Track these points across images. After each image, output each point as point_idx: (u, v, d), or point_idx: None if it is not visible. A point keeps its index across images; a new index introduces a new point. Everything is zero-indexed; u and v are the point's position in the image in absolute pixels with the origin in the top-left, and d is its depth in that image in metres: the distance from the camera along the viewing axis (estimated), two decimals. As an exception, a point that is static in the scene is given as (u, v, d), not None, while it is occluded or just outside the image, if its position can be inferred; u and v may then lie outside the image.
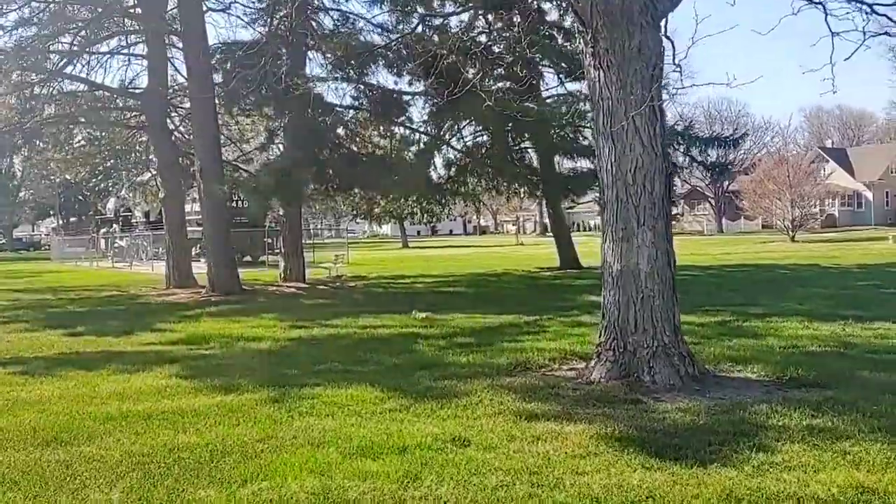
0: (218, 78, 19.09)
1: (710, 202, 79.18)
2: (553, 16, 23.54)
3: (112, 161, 29.92)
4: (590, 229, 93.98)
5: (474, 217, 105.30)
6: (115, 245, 40.35)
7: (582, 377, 7.25)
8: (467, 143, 21.36)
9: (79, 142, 24.75)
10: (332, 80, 20.03)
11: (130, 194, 40.77)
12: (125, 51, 21.73)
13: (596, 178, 21.46)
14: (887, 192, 72.42)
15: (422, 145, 20.15)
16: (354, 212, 28.75)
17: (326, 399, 6.67)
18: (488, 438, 5.34)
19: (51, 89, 20.35)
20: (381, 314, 13.31)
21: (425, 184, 19.31)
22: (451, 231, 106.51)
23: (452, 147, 21.20)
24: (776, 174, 46.57)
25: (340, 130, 20.43)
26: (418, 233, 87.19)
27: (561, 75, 22.83)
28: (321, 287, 20.02)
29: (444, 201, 21.85)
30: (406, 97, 20.15)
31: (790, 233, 44.92)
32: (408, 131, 20.48)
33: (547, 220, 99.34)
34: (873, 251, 30.07)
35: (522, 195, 23.98)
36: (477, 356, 8.60)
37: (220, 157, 18.93)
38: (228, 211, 33.63)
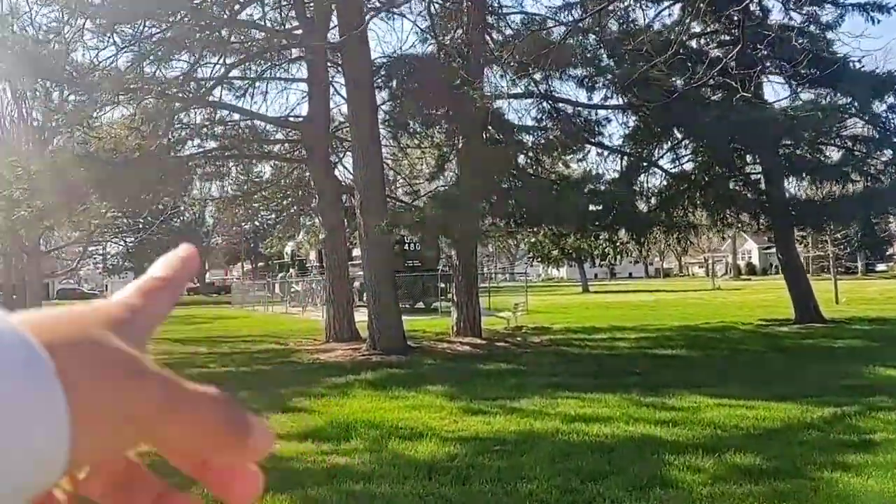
0: (382, 97, 16.45)
1: (939, 240, 68.63)
2: (777, 14, 19.24)
3: (289, 201, 28.37)
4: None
5: (656, 259, 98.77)
6: (291, 290, 39.58)
7: None
8: (682, 165, 17.32)
9: (239, 178, 23.10)
10: (513, 97, 16.83)
11: (305, 236, 39.95)
12: (283, 74, 19.72)
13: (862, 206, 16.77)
14: None
15: (623, 169, 16.42)
16: (534, 252, 25.47)
17: None
18: None
19: (204, 118, 18.68)
20: (585, 391, 9.65)
21: (629, 216, 15.48)
22: (630, 274, 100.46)
23: (662, 169, 17.27)
24: None
25: (521, 158, 17.10)
26: (595, 276, 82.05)
27: (792, 81, 18.35)
28: (500, 344, 16.58)
29: (648, 236, 17.82)
30: (602, 112, 16.55)
31: None
32: (605, 154, 16.83)
33: (741, 262, 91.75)
34: None
35: (745, 227, 19.43)
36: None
37: (383, 188, 16.12)
38: (401, 254, 31.69)
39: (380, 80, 16.15)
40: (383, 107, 16.78)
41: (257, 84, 19.10)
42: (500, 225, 16.54)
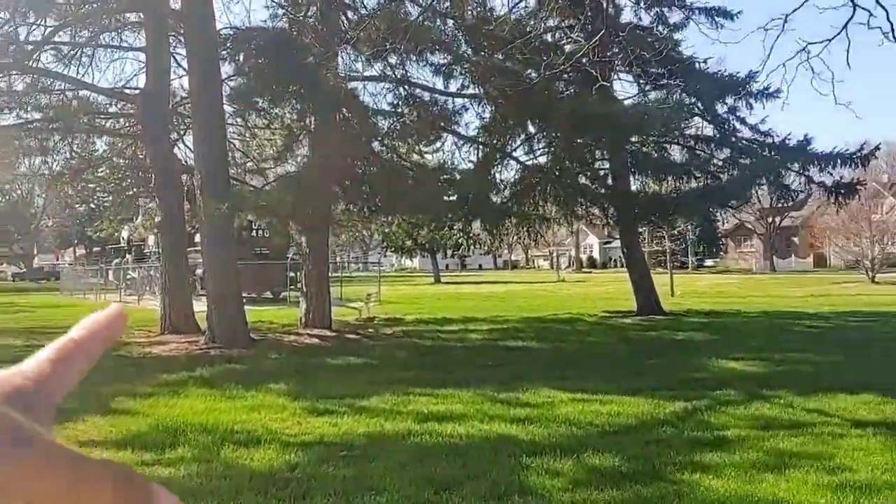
0: (227, 72, 15.32)
1: (759, 238, 74.26)
2: (629, 14, 19.73)
3: (128, 182, 26.16)
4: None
5: (505, 251, 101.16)
6: (127, 277, 36.91)
7: None
8: (537, 158, 17.29)
9: (67, 154, 20.92)
10: (368, 80, 16.21)
11: (143, 219, 37.39)
12: (118, 42, 17.99)
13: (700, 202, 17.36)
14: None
15: (479, 159, 16.17)
16: (387, 242, 24.90)
17: None
18: None
19: (27, 85, 16.74)
20: (438, 387, 9.23)
21: (484, 206, 15.24)
22: (480, 266, 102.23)
23: (517, 160, 17.18)
24: (854, 209, 41.91)
25: (375, 144, 16.48)
26: (447, 266, 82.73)
27: (641, 80, 18.85)
28: (351, 336, 15.93)
29: (501, 227, 17.70)
30: (459, 100, 16.22)
31: (870, 273, 40.22)
32: (460, 143, 16.51)
33: (583, 256, 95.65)
34: None
35: (593, 221, 19.75)
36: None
37: (226, 168, 14.98)
38: (248, 241, 30.18)
39: (225, 53, 15.00)
40: (229, 82, 15.65)
41: (87, 51, 17.31)
42: (354, 211, 15.84)
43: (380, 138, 16.23)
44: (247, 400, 8.54)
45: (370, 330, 17.32)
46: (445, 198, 14.42)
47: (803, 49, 10.38)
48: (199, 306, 16.62)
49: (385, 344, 14.61)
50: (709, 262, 76.70)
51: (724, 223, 66.63)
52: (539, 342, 14.21)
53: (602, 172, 18.17)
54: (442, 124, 15.60)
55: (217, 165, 14.21)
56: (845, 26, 9.85)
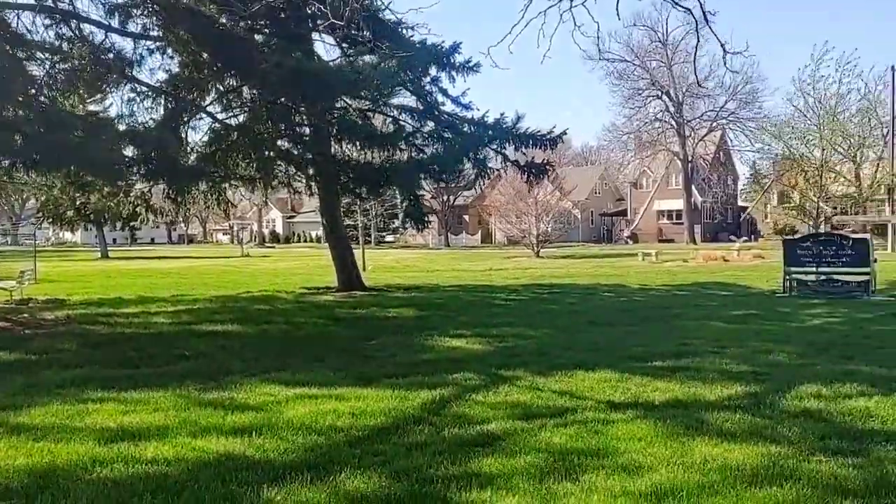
0: None
1: (436, 215, 78.33)
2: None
3: None
4: (313, 240, 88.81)
5: (181, 225, 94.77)
6: None
7: None
8: (236, 116, 15.33)
9: None
10: (22, 8, 13.07)
11: None
12: None
13: (396, 174, 16.76)
14: (592, 212, 77.42)
15: (165, 113, 13.86)
16: (45, 212, 21.00)
17: None
18: None
19: None
20: (125, 388, 7.31)
21: (172, 166, 13.05)
22: (152, 240, 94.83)
23: (212, 117, 15.08)
24: (521, 188, 45.41)
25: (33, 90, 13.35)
26: (115, 241, 75.06)
27: (344, 44, 17.81)
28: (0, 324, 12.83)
29: (189, 193, 15.54)
30: (144, 44, 13.74)
31: (535, 248, 43.96)
32: (143, 94, 14.03)
33: (265, 230, 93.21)
34: (639, 269, 28.99)
35: (296, 188, 18.25)
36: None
37: None
38: None
39: None
40: None
41: None
42: (5, 165, 12.63)
43: (38, 82, 13.18)
44: None
45: (24, 315, 14.20)
46: (129, 153, 12.02)
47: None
48: None
49: (46, 333, 11.88)
50: (389, 238, 79.37)
51: (400, 201, 69.34)
52: (241, 325, 12.53)
53: (306, 137, 16.76)
54: (122, 69, 13.01)
55: None
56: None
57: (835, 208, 49.19)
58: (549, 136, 17.92)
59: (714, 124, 65.54)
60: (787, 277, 17.09)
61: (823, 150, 49.15)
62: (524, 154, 18.52)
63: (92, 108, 14.47)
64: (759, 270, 26.07)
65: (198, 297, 17.76)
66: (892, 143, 47.50)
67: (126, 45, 14.78)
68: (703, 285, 20.45)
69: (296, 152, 16.55)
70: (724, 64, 18.53)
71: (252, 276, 27.43)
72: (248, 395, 7.07)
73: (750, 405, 6.23)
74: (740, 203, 78.25)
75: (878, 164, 49.66)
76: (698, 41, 10.44)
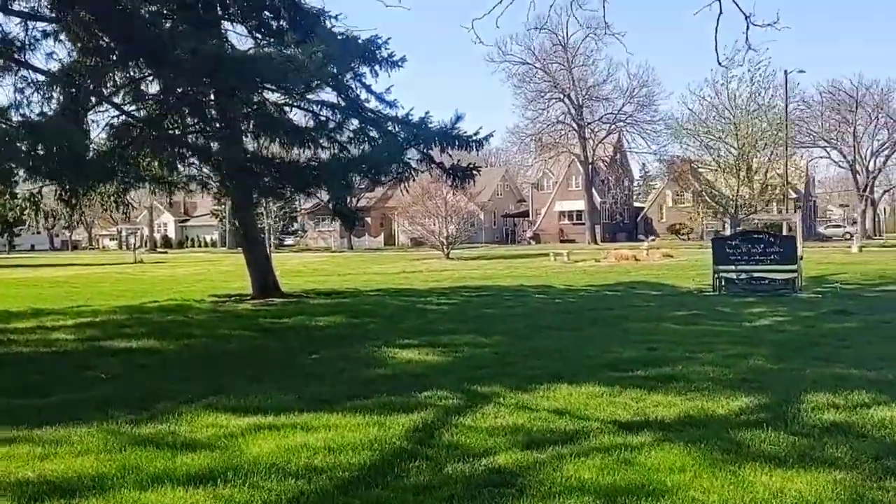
0: None
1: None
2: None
3: None
4: (208, 245, 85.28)
5: (64, 231, 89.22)
6: None
7: None
8: (144, 108, 13.87)
9: None
10: None
11: None
12: None
13: (326, 174, 15.71)
14: (494, 213, 77.91)
15: (64, 103, 12.32)
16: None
17: None
18: None
19: None
20: (33, 424, 6.08)
21: (75, 161, 11.57)
22: (33, 246, 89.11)
23: (118, 108, 13.58)
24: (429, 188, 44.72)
25: None
26: (-11, 248, 69.81)
27: (257, 33, 16.58)
28: None
29: (88, 192, 13.98)
30: (37, 25, 12.18)
31: (445, 250, 43.40)
32: (37, 82, 12.44)
33: (157, 235, 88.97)
34: (555, 269, 28.81)
35: (208, 186, 16.82)
36: None
37: None
38: None
39: None
40: None
41: None
42: None
43: None
44: None
45: None
46: (23, 146, 10.48)
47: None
48: None
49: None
50: (289, 241, 77.21)
51: (300, 203, 67.30)
52: (157, 340, 11.19)
53: (220, 133, 15.43)
54: (11, 53, 11.42)
55: None
56: None
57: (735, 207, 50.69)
58: (474, 138, 17.21)
59: (613, 127, 67.10)
60: (717, 276, 17.07)
61: (741, 148, 49.82)
62: (450, 156, 17.76)
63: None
64: (674, 269, 26.34)
65: (98, 309, 16.11)
66: (787, 145, 49.63)
67: (13, 27, 13.11)
68: (629, 285, 20.29)
69: (210, 149, 15.21)
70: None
71: (151, 284, 25.57)
72: (191, 427, 5.99)
73: (771, 420, 5.68)
74: (636, 204, 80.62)
75: (767, 166, 51.67)
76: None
